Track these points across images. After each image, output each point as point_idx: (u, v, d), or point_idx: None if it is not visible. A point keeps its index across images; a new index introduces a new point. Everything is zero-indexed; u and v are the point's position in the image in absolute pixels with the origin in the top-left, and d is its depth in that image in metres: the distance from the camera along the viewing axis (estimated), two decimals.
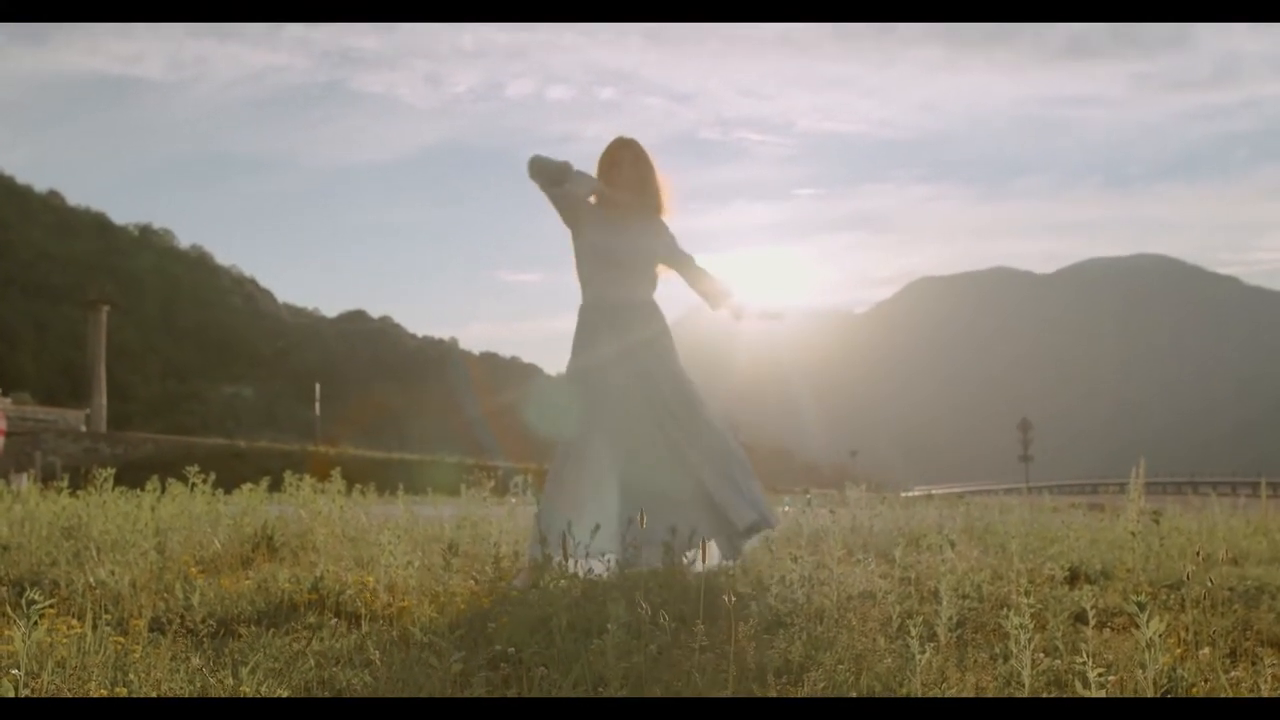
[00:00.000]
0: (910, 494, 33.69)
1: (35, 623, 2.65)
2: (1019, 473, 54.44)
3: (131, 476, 7.12)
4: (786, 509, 9.10)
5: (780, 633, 3.57)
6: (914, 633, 2.84)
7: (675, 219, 5.39)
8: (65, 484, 7.05)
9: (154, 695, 2.72)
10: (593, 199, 5.18)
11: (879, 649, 3.34)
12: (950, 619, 3.55)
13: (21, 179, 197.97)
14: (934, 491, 43.00)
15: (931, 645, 3.03)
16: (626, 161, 5.13)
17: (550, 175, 4.98)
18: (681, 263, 5.35)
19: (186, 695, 2.72)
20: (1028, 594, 2.98)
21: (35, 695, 2.65)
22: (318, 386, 79.18)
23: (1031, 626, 2.79)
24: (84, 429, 75.27)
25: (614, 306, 5.16)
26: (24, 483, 12.40)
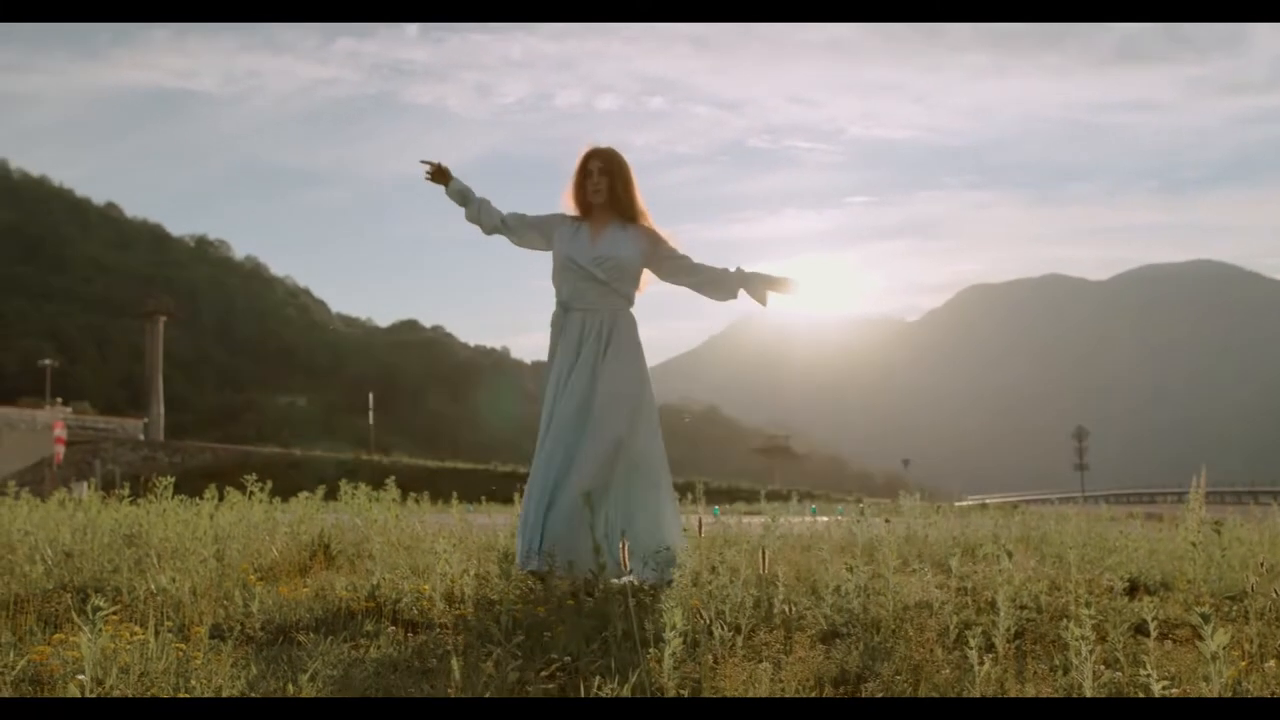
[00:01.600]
0: (963, 503, 33.46)
1: (100, 629, 2.69)
2: (1074, 481, 53.81)
3: (189, 485, 7.20)
4: (839, 517, 9.06)
5: (837, 643, 3.55)
6: (973, 644, 2.82)
7: (657, 226, 5.27)
8: (127, 492, 7.13)
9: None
10: (570, 210, 5.24)
11: (936, 660, 3.32)
12: (1008, 630, 3.52)
13: (81, 192, 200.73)
14: (987, 501, 42.67)
15: (990, 656, 3.00)
16: (595, 170, 5.11)
17: (467, 214, 5.36)
18: (672, 266, 5.25)
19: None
20: (1088, 605, 2.94)
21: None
22: (371, 396, 79.91)
23: (1093, 638, 2.76)
24: (142, 438, 76.43)
25: (569, 313, 5.13)
26: (84, 490, 12.55)
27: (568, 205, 5.25)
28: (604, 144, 5.22)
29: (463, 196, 5.35)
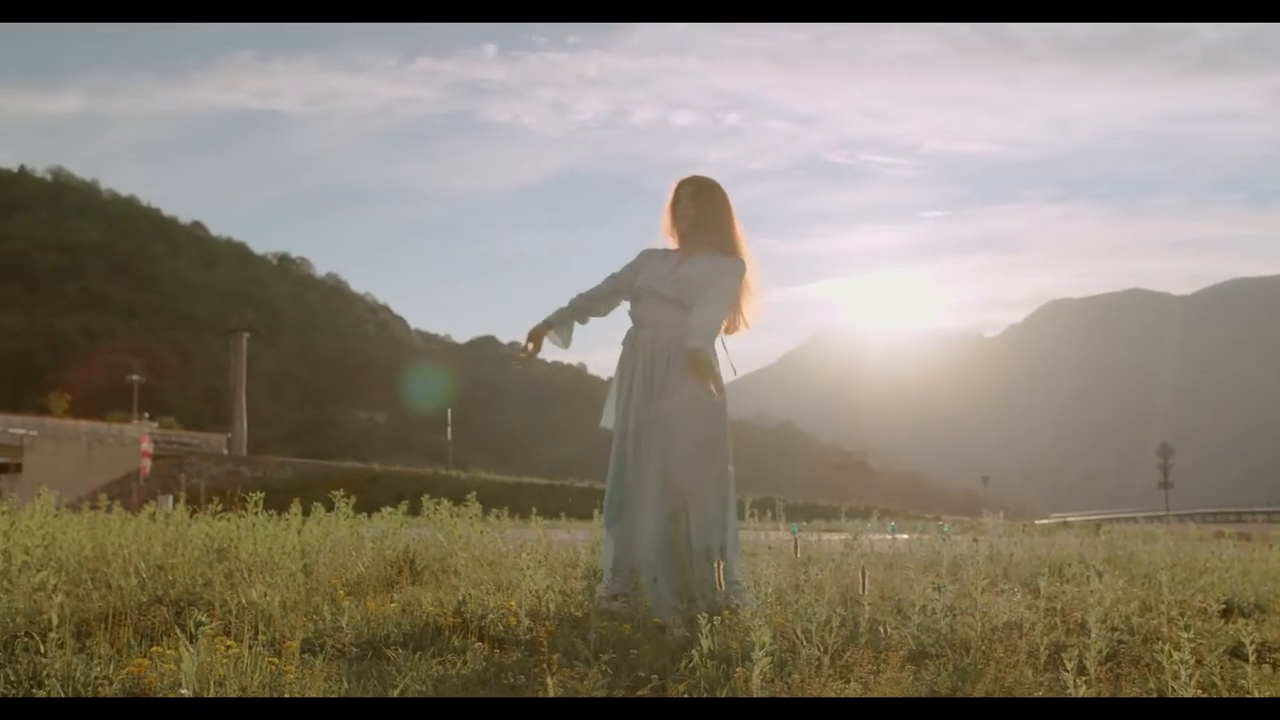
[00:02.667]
0: (1044, 521, 32.95)
1: (198, 644, 2.74)
2: (1157, 500, 52.86)
3: (271, 499, 7.29)
4: (919, 534, 8.96)
5: (926, 663, 3.51)
6: (1069, 666, 2.78)
7: (752, 252, 5.01)
8: (218, 506, 7.26)
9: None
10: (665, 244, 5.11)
11: (1027, 682, 3.27)
12: (1100, 652, 3.46)
13: (168, 211, 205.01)
14: (1069, 519, 42.00)
15: (1083, 679, 2.96)
16: (684, 197, 4.98)
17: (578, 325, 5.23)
18: (694, 301, 4.89)
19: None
20: (1187, 628, 2.89)
21: None
22: (449, 412, 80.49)
23: (1191, 661, 2.71)
24: (225, 452, 77.66)
25: (637, 339, 4.97)
26: (169, 504, 12.76)
27: (662, 239, 5.10)
28: (702, 175, 5.06)
29: (565, 326, 5.13)
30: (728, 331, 5.05)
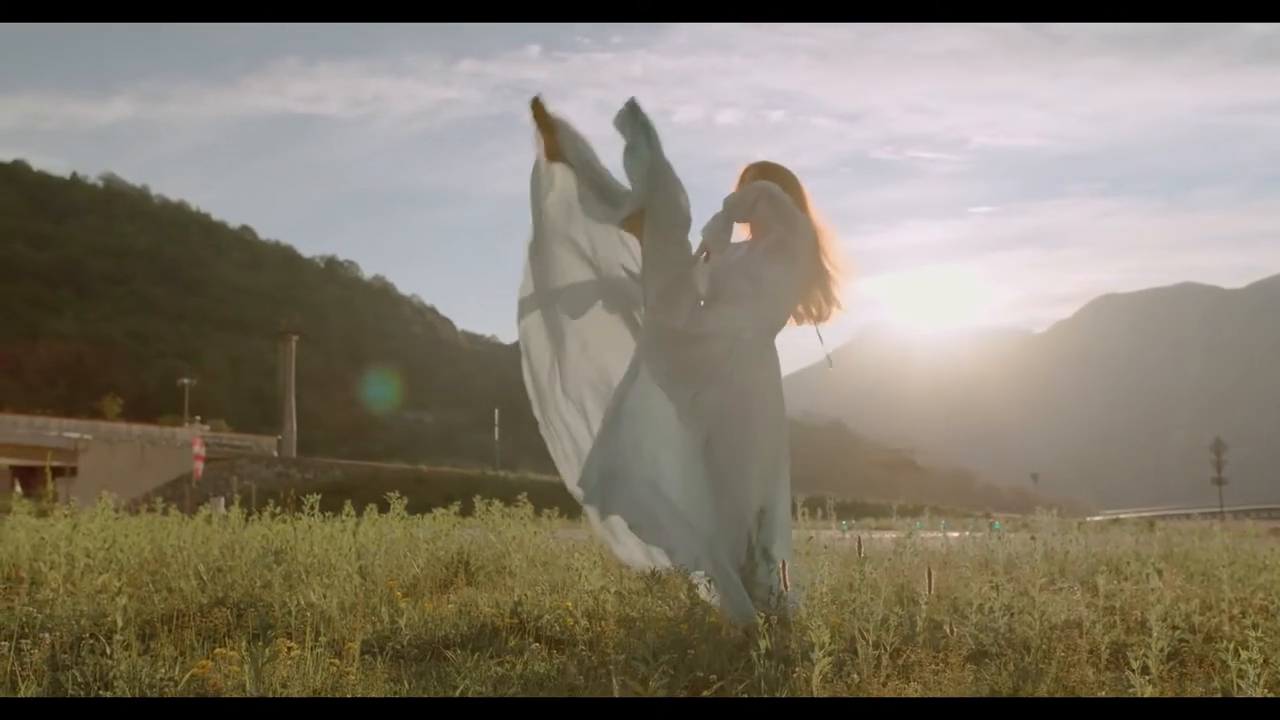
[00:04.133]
0: (1096, 518, 32.66)
1: (264, 646, 2.76)
2: (1210, 496, 52.25)
3: (321, 500, 7.35)
4: (971, 533, 8.91)
5: (986, 663, 3.49)
6: (1134, 665, 2.75)
7: (825, 246, 4.67)
8: (275, 509, 7.32)
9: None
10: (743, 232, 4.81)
11: (1089, 681, 3.24)
12: (1162, 650, 3.42)
13: (217, 215, 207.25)
14: (1121, 516, 41.59)
15: (1144, 678, 2.93)
16: (749, 180, 4.72)
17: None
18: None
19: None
20: (1255, 626, 2.86)
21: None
22: (497, 412, 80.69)
23: (1259, 660, 2.68)
24: (276, 454, 78.35)
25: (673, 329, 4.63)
26: (222, 506, 12.89)
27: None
28: (771, 160, 4.79)
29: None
30: (817, 320, 4.75)
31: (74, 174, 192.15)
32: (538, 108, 4.72)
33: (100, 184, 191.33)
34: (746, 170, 4.77)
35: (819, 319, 4.75)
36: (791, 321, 4.75)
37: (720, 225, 4.60)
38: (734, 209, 4.61)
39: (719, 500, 4.47)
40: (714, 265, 4.61)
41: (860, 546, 6.17)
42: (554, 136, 4.69)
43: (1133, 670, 2.78)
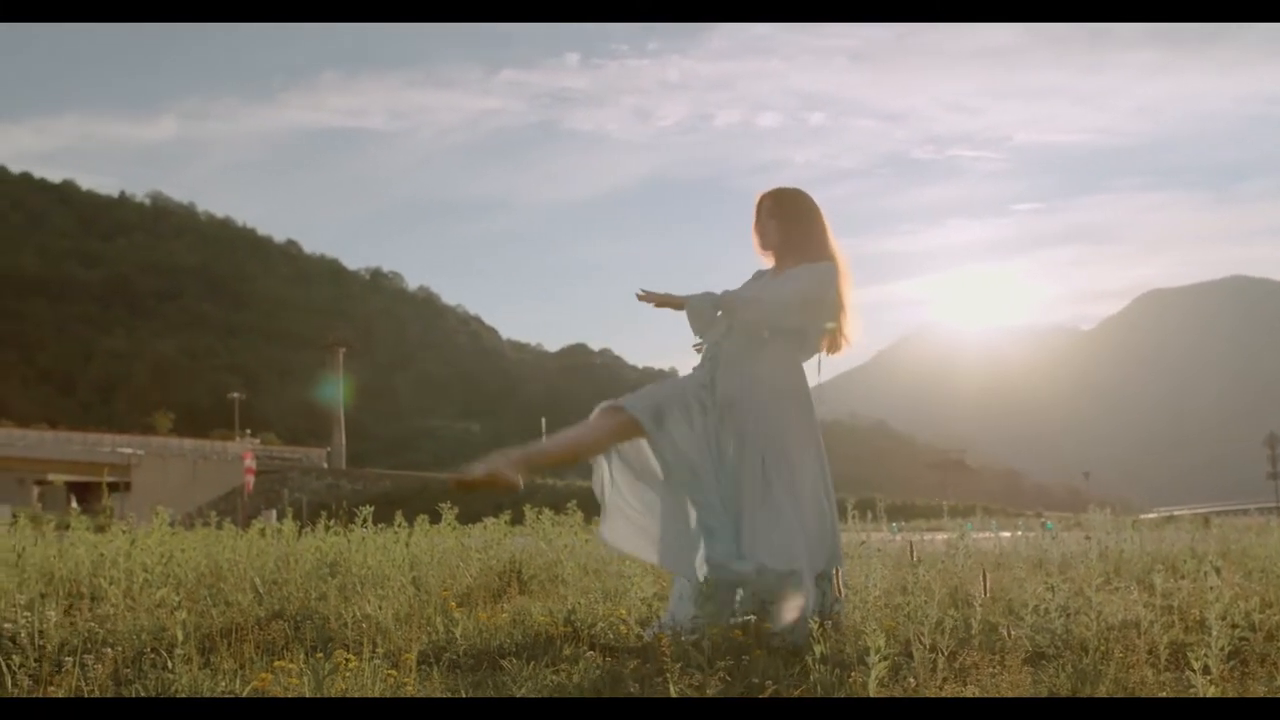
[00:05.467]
0: (1149, 516, 32.31)
1: (323, 658, 2.79)
2: (1267, 491, 51.52)
3: (373, 512, 7.40)
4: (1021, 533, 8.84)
5: (1043, 665, 3.47)
6: (1196, 665, 2.73)
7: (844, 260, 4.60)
8: (329, 521, 7.39)
9: None
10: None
11: (1149, 681, 3.22)
12: (1222, 650, 3.39)
13: (262, 230, 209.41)
14: (1174, 513, 41.13)
15: (1206, 678, 2.90)
16: (764, 213, 4.67)
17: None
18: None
19: None
20: None
21: None
22: (544, 420, 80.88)
23: None
24: (325, 466, 78.96)
25: (714, 359, 4.56)
26: (273, 519, 13.02)
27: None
28: (783, 186, 4.75)
29: (699, 314, 4.53)
30: (830, 350, 4.67)
31: (122, 192, 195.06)
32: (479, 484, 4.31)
33: (148, 202, 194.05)
34: (761, 200, 4.70)
35: (831, 349, 4.66)
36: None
37: (709, 311, 4.47)
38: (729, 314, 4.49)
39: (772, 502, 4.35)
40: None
41: (913, 550, 6.14)
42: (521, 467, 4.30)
43: (1193, 670, 2.75)
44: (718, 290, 4.51)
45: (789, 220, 4.63)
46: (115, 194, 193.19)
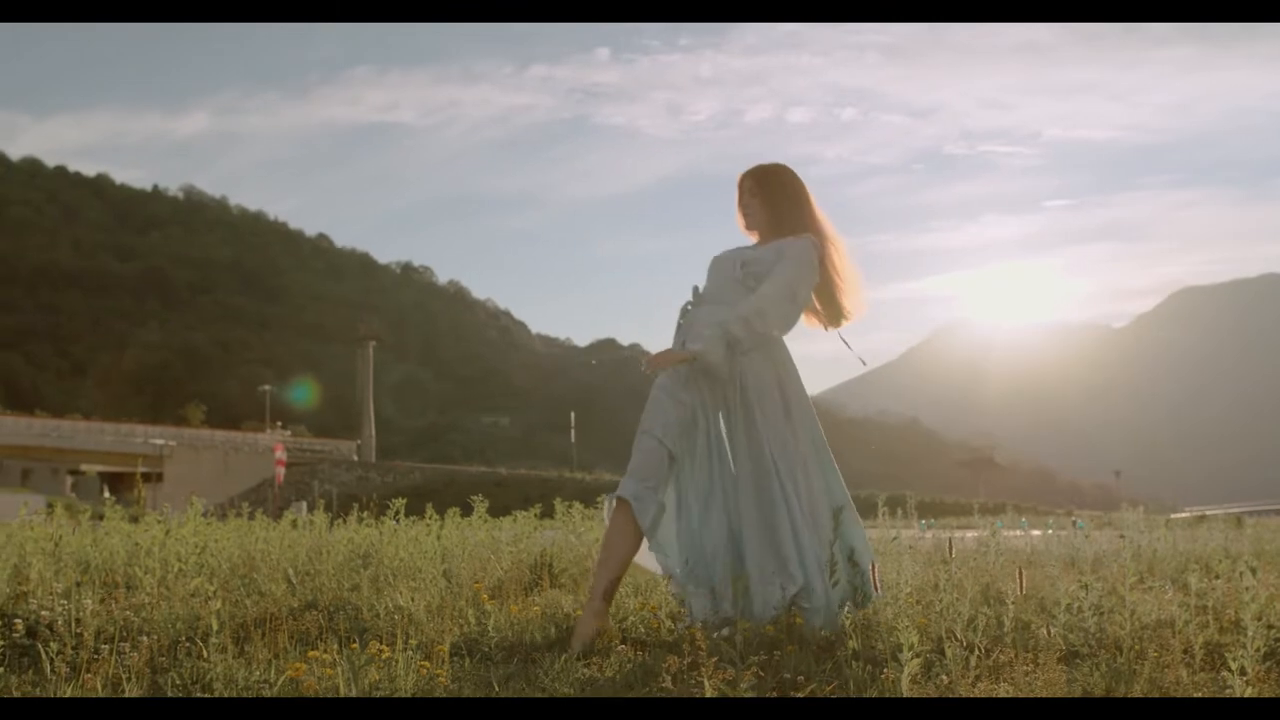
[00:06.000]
0: (1180, 515, 32.07)
1: (357, 648, 2.80)
2: None
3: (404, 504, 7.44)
4: (1050, 529, 8.79)
5: (1077, 664, 3.45)
6: (1233, 665, 2.71)
7: (836, 234, 4.53)
8: (362, 513, 7.43)
9: None
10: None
11: (1184, 682, 3.19)
12: (1258, 650, 3.36)
13: (294, 224, 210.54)
14: (1207, 512, 40.81)
15: (1242, 679, 2.88)
16: (745, 192, 4.59)
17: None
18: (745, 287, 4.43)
19: None
20: None
21: None
22: (573, 415, 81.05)
23: None
24: (355, 459, 79.37)
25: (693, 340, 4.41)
26: (304, 510, 13.08)
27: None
28: (764, 164, 4.65)
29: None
30: (830, 324, 4.62)
31: (155, 186, 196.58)
32: None
33: (181, 196, 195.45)
34: (742, 180, 4.62)
35: (829, 324, 4.62)
36: (803, 321, 4.55)
37: (722, 349, 4.31)
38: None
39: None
40: (750, 256, 4.46)
41: (950, 546, 6.12)
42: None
43: (1230, 671, 2.73)
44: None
45: (772, 198, 4.54)
46: (149, 188, 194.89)
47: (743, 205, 4.59)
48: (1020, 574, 3.85)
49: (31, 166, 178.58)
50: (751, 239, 4.64)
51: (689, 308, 4.50)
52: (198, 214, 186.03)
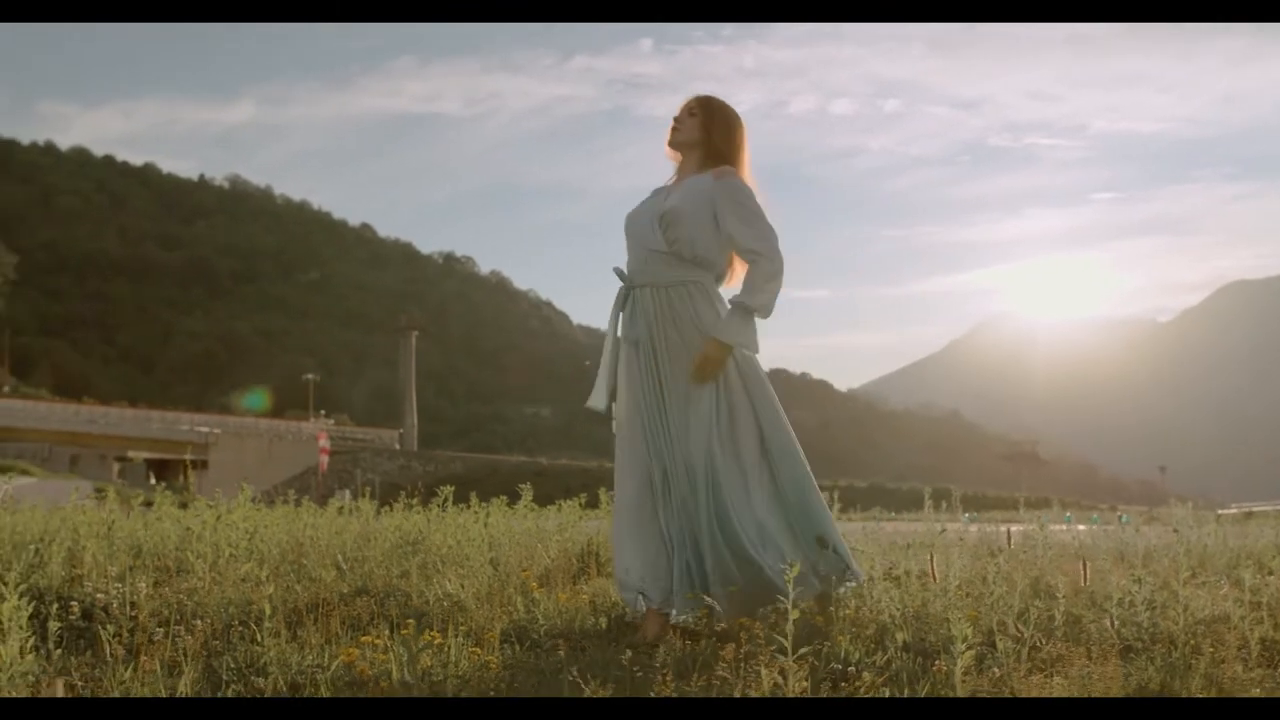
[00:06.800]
0: (1227, 511, 31.71)
1: (410, 635, 2.82)
2: None
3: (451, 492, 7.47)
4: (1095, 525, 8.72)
5: (1131, 658, 3.42)
6: None
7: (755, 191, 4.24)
8: (409, 501, 7.46)
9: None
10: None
11: (1240, 678, 3.16)
12: None
13: (338, 214, 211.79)
14: (1255, 508, 40.31)
15: None
16: (686, 110, 4.30)
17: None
18: (687, 244, 4.19)
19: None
20: None
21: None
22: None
23: None
24: (397, 447, 79.79)
25: (628, 287, 4.33)
26: (347, 498, 13.17)
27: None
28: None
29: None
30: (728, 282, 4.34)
31: (201, 176, 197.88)
32: None
33: (226, 185, 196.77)
34: (688, 101, 4.33)
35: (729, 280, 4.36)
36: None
37: (752, 328, 4.20)
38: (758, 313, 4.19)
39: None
40: (670, 206, 4.21)
41: (1009, 536, 6.08)
42: None
43: None
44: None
45: (711, 121, 4.28)
46: (195, 177, 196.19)
47: (677, 120, 4.31)
48: (1084, 565, 3.82)
49: (80, 156, 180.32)
50: (670, 158, 4.40)
51: (631, 291, 4.30)
52: (242, 203, 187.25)
